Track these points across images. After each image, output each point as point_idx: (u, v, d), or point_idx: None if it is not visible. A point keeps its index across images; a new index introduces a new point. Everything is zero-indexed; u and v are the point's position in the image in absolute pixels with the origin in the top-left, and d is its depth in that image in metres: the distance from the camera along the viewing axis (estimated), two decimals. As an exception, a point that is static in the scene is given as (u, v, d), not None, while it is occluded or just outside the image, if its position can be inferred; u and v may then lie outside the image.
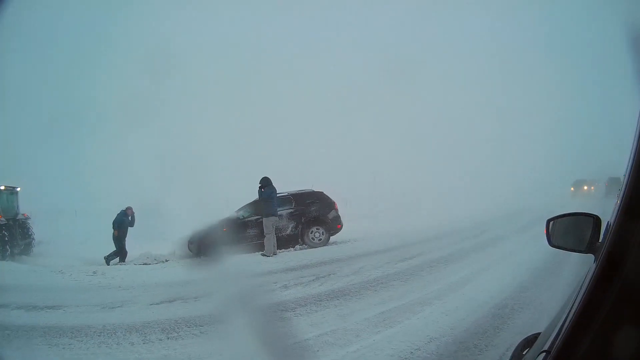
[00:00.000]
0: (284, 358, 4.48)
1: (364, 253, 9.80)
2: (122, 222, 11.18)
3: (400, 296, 6.25)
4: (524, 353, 1.61)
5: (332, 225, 11.62)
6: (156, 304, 6.69)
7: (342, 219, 13.25)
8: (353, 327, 5.18)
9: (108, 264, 10.42)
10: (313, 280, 7.63)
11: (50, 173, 15.61)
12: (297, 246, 11.28)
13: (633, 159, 0.98)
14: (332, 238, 11.89)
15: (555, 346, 1.05)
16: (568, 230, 1.95)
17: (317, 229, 11.48)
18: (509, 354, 1.88)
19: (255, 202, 11.11)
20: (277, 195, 11.53)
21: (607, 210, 1.42)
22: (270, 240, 10.23)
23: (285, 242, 11.26)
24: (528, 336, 1.76)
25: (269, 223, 10.30)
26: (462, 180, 20.69)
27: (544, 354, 1.13)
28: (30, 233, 12.08)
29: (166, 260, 10.64)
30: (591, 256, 1.47)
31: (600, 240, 1.62)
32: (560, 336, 1.04)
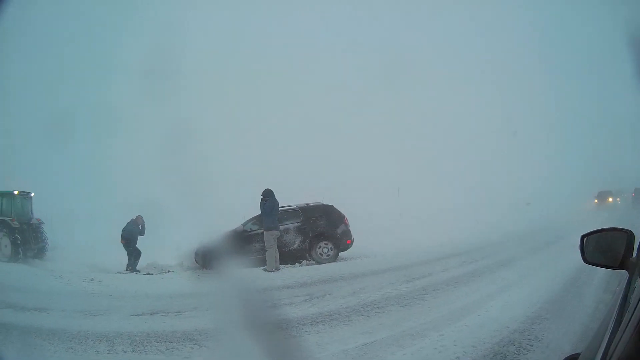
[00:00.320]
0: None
1: (370, 271, 8.92)
2: (132, 232, 10.89)
3: (392, 324, 5.35)
4: None
5: (341, 240, 10.78)
6: (137, 315, 6.45)
7: (360, 234, 12.52)
8: None
9: (135, 271, 10.31)
10: (306, 300, 6.82)
11: (70, 179, 15.69)
12: (305, 262, 10.51)
13: None
14: (343, 254, 11.08)
15: None
16: (601, 246, 1.87)
17: (325, 244, 10.68)
18: None
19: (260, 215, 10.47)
20: (284, 208, 10.90)
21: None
22: (271, 254, 9.51)
23: (292, 257, 10.53)
24: (566, 357, 1.64)
25: (270, 237, 9.59)
26: (486, 194, 19.30)
27: None
28: (43, 237, 12.11)
29: (169, 271, 10.21)
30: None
31: (633, 256, 1.62)
32: (614, 353, 1.02)
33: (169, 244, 10.97)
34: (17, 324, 5.75)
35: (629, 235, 1.66)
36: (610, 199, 22.42)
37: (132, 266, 10.56)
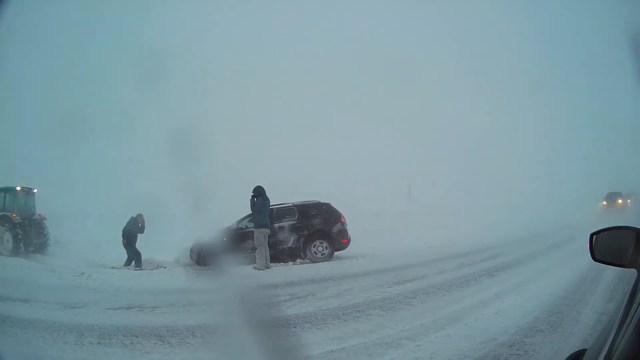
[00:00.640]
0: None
1: (362, 272, 8.27)
2: (132, 231, 10.53)
3: (368, 331, 4.70)
4: None
5: (337, 239, 10.11)
6: (113, 309, 6.21)
7: (365, 233, 11.90)
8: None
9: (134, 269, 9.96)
10: (286, 300, 6.22)
11: (74, 177, 15.51)
12: (299, 260, 9.87)
13: None
14: (340, 253, 10.42)
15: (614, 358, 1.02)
16: (610, 244, 1.80)
17: (320, 242, 10.03)
18: None
19: None
20: (280, 206, 10.34)
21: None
22: (261, 252, 8.91)
23: (286, 255, 9.96)
24: (572, 353, 1.55)
25: (260, 235, 8.98)
26: (496, 194, 18.29)
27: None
28: (45, 233, 11.86)
29: (160, 268, 9.78)
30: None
31: None
32: (617, 350, 1.03)
33: (168, 241, 10.61)
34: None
35: (638, 233, 1.59)
36: (620, 201, 20.18)
37: (130, 265, 10.20)
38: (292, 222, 10.14)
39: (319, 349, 4.24)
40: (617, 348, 1.03)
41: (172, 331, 5.01)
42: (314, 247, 9.97)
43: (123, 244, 10.35)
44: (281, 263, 9.61)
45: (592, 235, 1.88)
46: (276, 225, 10.00)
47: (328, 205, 10.49)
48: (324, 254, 9.94)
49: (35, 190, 12.11)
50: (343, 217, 10.36)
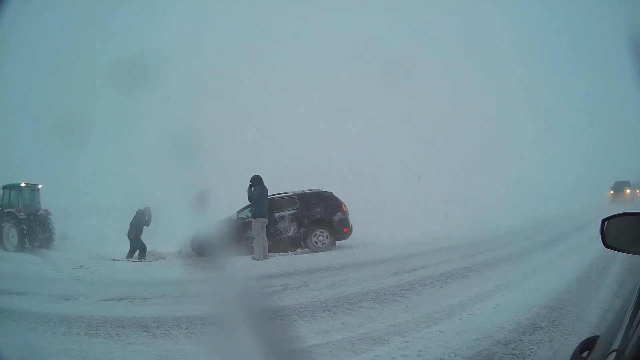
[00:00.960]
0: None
1: (361, 262, 7.92)
2: (139, 225, 10.37)
3: (356, 324, 4.37)
4: (583, 356, 1.39)
5: (338, 228, 9.71)
6: (105, 300, 6.09)
7: (370, 222, 11.56)
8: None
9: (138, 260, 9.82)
10: (278, 291, 5.93)
11: (80, 173, 15.43)
12: (299, 250, 9.56)
13: None
14: (342, 243, 10.07)
15: (630, 343, 1.01)
16: (623, 231, 1.73)
17: (320, 232, 9.66)
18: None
19: None
20: (281, 195, 10.01)
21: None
22: (259, 242, 8.60)
23: (287, 244, 9.64)
24: (585, 339, 1.46)
25: (257, 225, 8.67)
26: (499, 185, 17.67)
27: (615, 353, 1.07)
28: (50, 227, 11.74)
29: (160, 259, 9.58)
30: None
31: None
32: (631, 337, 1.03)
33: (171, 233, 10.44)
34: None
35: None
36: (628, 191, 18.86)
37: (132, 257, 10.04)
38: (292, 212, 9.79)
39: (301, 342, 3.93)
40: (633, 334, 1.01)
41: (159, 322, 4.86)
42: (314, 236, 9.62)
43: (130, 237, 10.19)
44: (281, 253, 9.31)
45: (603, 221, 1.78)
46: (276, 214, 9.67)
47: (330, 194, 10.11)
48: (324, 243, 9.59)
49: (39, 186, 12.01)
50: (344, 206, 9.97)
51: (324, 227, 9.70)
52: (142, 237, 10.32)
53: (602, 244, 1.77)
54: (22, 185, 11.61)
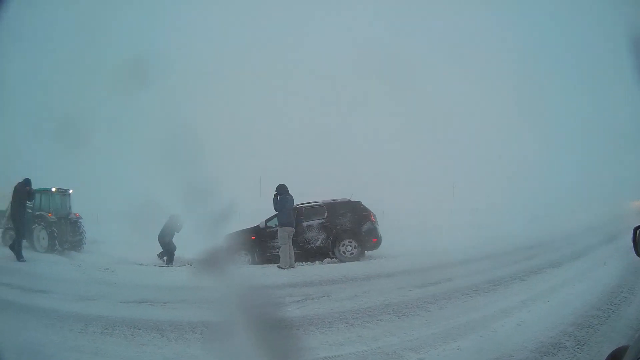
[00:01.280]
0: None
1: (388, 273, 7.71)
2: (171, 228, 10.64)
3: (372, 338, 4.21)
4: None
5: (366, 238, 9.55)
6: (125, 302, 6.21)
7: (402, 232, 11.33)
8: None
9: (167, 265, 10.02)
10: (299, 301, 5.84)
11: (112, 179, 15.96)
12: (327, 260, 9.47)
13: None
14: (372, 253, 9.90)
15: None
16: None
17: (349, 241, 9.52)
18: None
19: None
20: (309, 204, 9.99)
21: None
22: (285, 251, 8.55)
23: (314, 254, 9.57)
24: (615, 349, 1.49)
25: (284, 234, 8.64)
26: (531, 195, 16.69)
27: None
28: (81, 231, 12.10)
29: (188, 265, 9.73)
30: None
31: None
32: None
33: (199, 239, 10.60)
34: (18, 302, 5.78)
35: None
36: None
37: (172, 261, 10.29)
38: (320, 221, 9.74)
39: (312, 354, 3.84)
40: None
41: (175, 326, 4.90)
42: (342, 246, 9.51)
43: (163, 242, 10.44)
44: (308, 262, 9.26)
45: (636, 229, 1.67)
46: (305, 223, 9.67)
47: (358, 204, 9.97)
48: (352, 253, 9.46)
49: (70, 191, 12.46)
50: (373, 215, 9.80)
51: (352, 237, 9.57)
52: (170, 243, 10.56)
53: (634, 255, 1.64)
54: (53, 190, 12.04)
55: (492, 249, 8.91)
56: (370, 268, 8.28)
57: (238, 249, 9.57)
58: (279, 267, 8.55)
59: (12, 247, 9.37)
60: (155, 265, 9.74)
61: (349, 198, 10.17)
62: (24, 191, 9.55)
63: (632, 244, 1.67)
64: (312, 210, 9.89)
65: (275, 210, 9.01)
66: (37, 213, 11.31)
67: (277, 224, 9.50)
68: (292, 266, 8.58)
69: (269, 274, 8.07)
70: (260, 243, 9.55)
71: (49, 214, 11.34)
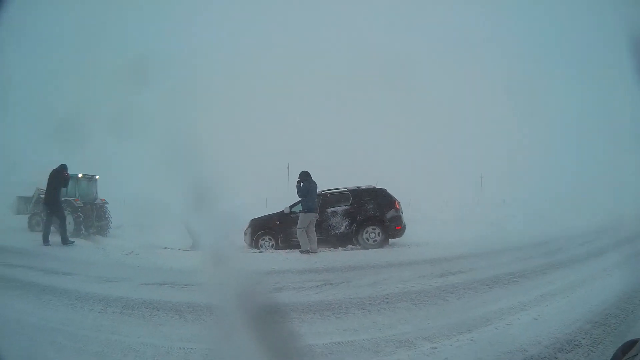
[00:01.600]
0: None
1: (409, 261, 7.68)
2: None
3: (387, 325, 4.21)
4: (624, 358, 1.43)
5: (390, 225, 9.53)
6: (146, 284, 6.27)
7: (428, 221, 11.28)
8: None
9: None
10: (318, 286, 5.88)
11: (140, 166, 16.35)
12: (350, 246, 9.54)
13: None
14: (396, 240, 9.89)
15: None
16: None
17: (372, 228, 9.54)
18: None
19: None
20: (335, 191, 10.04)
21: None
22: (303, 236, 8.68)
23: (338, 240, 9.66)
24: (625, 342, 1.51)
25: (305, 218, 8.74)
26: (559, 188, 16.01)
27: None
28: (107, 216, 12.62)
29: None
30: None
31: None
32: None
33: (228, 224, 10.79)
34: (41, 283, 5.94)
35: None
36: None
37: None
38: (345, 207, 9.79)
39: (327, 339, 3.89)
40: None
41: (193, 308, 4.96)
42: (366, 233, 9.54)
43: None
44: (331, 248, 9.36)
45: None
46: (329, 210, 9.75)
47: (383, 191, 9.94)
48: (375, 240, 9.48)
49: (97, 177, 12.86)
50: (398, 203, 9.75)
51: (376, 224, 9.58)
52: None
53: None
54: (80, 175, 12.42)
55: (516, 242, 8.68)
56: (393, 256, 8.26)
57: (262, 234, 9.82)
58: (301, 252, 8.69)
59: (45, 237, 9.36)
60: (179, 249, 9.91)
61: (374, 185, 10.16)
62: (60, 177, 9.66)
63: None
64: (337, 196, 9.94)
65: (299, 196, 9.10)
66: (63, 198, 11.53)
67: (301, 209, 9.68)
68: (315, 251, 8.70)
69: (291, 258, 8.18)
70: (285, 228, 9.72)
71: (76, 200, 11.75)
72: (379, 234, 9.50)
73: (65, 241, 9.38)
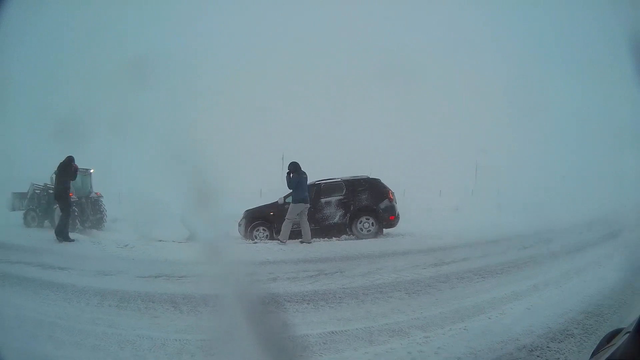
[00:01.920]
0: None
1: (403, 251, 7.68)
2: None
3: (381, 314, 4.22)
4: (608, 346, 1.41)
5: (384, 215, 9.54)
6: (142, 277, 6.25)
7: (422, 211, 11.30)
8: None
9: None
10: (312, 276, 5.88)
11: (135, 161, 16.19)
12: (344, 236, 9.54)
13: None
14: (390, 230, 9.89)
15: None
16: None
17: (366, 219, 9.54)
18: None
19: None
20: (329, 181, 10.00)
21: None
22: (287, 226, 8.71)
23: (332, 230, 9.65)
24: (611, 331, 1.48)
25: (295, 210, 8.76)
26: (558, 178, 16.11)
27: (627, 334, 1.15)
28: (102, 210, 12.45)
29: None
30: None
31: None
32: None
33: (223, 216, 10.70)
34: (38, 278, 5.88)
35: None
36: None
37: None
38: (339, 198, 9.76)
39: (320, 329, 3.90)
40: None
41: (188, 299, 4.96)
42: (360, 223, 9.54)
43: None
44: (325, 238, 9.35)
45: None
46: (323, 200, 9.72)
47: (377, 181, 9.92)
48: (369, 230, 9.48)
49: (92, 171, 12.64)
50: (392, 193, 9.74)
51: (370, 214, 9.57)
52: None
53: None
54: None
55: (511, 232, 8.69)
56: (387, 246, 8.28)
57: (257, 224, 9.77)
58: (301, 242, 8.66)
59: (58, 232, 9.17)
60: (174, 241, 9.75)
61: (367, 175, 10.12)
62: (69, 169, 9.37)
63: None
64: (331, 186, 9.91)
65: (289, 187, 9.06)
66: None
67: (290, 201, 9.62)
68: (309, 242, 8.68)
69: (285, 249, 8.19)
70: (279, 219, 9.68)
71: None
72: (372, 224, 9.50)
73: (65, 237, 9.11)
